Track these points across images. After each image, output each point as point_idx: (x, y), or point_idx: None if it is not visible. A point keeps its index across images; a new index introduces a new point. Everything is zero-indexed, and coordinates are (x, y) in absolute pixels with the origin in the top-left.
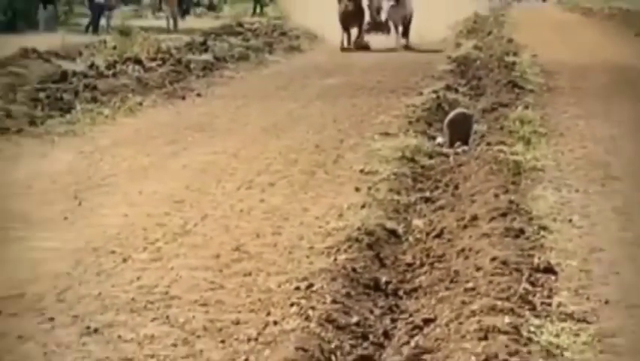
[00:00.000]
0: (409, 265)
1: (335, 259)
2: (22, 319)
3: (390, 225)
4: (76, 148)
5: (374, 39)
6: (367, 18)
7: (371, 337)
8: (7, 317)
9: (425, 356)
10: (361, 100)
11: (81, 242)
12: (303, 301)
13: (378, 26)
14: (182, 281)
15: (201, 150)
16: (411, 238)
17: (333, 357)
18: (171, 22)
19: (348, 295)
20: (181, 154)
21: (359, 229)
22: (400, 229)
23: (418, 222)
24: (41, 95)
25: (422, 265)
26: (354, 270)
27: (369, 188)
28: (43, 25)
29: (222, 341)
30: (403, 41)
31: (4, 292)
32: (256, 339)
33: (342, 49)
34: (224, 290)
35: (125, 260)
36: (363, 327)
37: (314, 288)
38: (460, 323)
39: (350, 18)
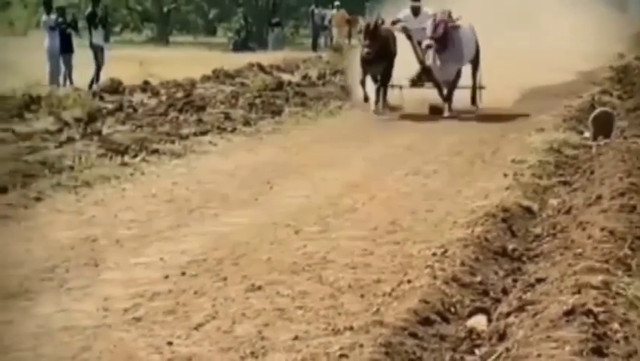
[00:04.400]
0: (537, 236)
1: (472, 231)
2: (201, 279)
3: (526, 203)
4: (279, 144)
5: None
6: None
7: (491, 293)
8: (189, 277)
9: (528, 307)
10: (527, 103)
11: (264, 218)
12: (436, 264)
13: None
14: (339, 248)
15: (382, 145)
16: (544, 215)
17: (452, 308)
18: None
19: (477, 259)
20: (365, 148)
21: (497, 206)
22: (536, 207)
23: (553, 202)
24: (257, 101)
25: (548, 235)
26: (486, 239)
27: (515, 173)
28: (272, 45)
29: (362, 296)
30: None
31: (190, 258)
32: (390, 294)
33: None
34: (374, 256)
35: (297, 232)
36: (485, 285)
37: (448, 253)
38: (562, 281)
39: (368, 67)
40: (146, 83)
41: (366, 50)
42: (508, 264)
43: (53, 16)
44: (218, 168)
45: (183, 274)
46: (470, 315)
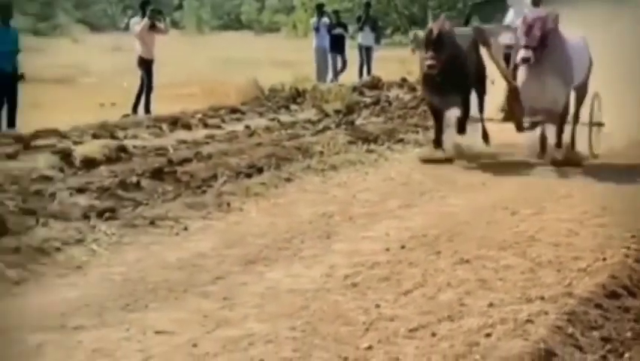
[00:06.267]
0: None
1: None
2: (417, 252)
3: None
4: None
5: None
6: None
7: None
8: (407, 250)
9: None
10: None
11: (486, 201)
12: (632, 245)
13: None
14: (548, 228)
15: None
16: None
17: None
18: None
19: None
20: None
21: None
22: None
23: None
24: None
25: None
26: None
27: None
28: None
29: (558, 271)
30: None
31: (412, 234)
32: (584, 270)
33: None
34: (577, 236)
35: (513, 214)
36: None
37: None
38: None
39: (434, 88)
40: (403, 80)
41: (430, 59)
42: None
43: (321, 19)
44: None
45: (403, 247)
46: None
